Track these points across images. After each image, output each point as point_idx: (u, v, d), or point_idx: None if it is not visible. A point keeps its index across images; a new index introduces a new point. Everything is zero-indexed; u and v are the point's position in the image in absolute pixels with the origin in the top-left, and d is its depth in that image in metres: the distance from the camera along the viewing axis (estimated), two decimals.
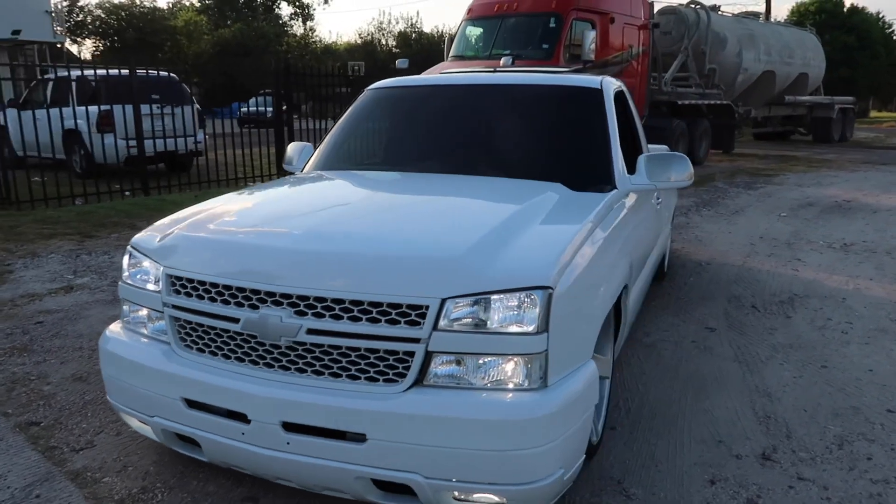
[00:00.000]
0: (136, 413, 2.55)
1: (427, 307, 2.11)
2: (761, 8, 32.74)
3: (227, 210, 2.81)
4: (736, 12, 18.42)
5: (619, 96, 3.95)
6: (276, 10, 50.32)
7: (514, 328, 2.13)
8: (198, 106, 11.59)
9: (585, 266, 2.40)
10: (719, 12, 16.83)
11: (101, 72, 9.35)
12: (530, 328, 2.11)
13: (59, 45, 27.41)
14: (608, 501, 2.57)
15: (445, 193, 3.02)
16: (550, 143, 3.52)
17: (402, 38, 49.27)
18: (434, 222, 2.59)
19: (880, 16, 40.52)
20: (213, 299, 2.36)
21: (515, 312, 2.14)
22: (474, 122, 3.65)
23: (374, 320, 2.15)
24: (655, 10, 15.39)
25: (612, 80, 4.01)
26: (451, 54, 11.94)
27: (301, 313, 2.21)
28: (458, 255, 2.22)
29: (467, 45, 11.78)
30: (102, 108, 10.17)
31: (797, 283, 5.58)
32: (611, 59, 11.60)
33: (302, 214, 2.67)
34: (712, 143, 16.08)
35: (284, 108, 10.68)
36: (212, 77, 36.67)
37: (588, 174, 3.28)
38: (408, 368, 2.14)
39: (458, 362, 2.16)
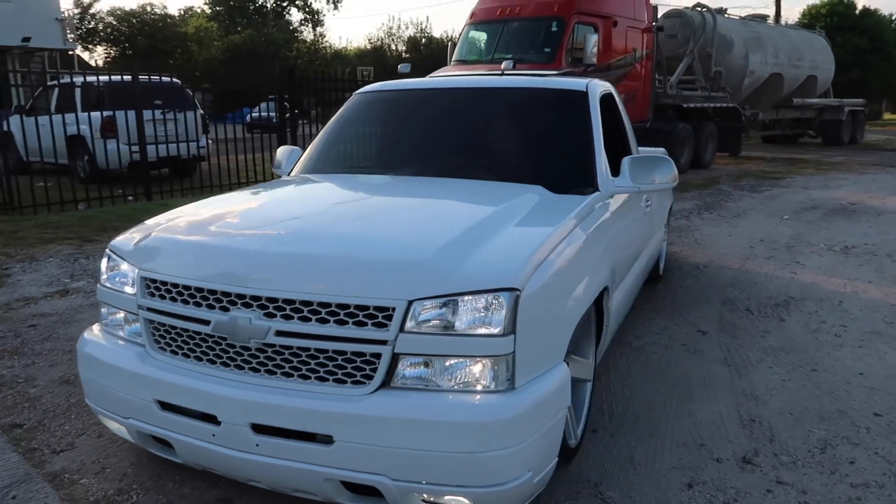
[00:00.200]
0: (113, 415, 2.56)
1: (393, 309, 2.11)
2: (771, 11, 32.57)
3: (204, 213, 2.82)
4: (743, 15, 18.34)
5: (606, 99, 3.94)
6: (287, 16, 50.66)
7: (480, 330, 2.12)
8: (201, 111, 11.67)
9: (557, 268, 2.39)
10: (726, 15, 16.77)
11: (104, 78, 9.43)
12: (496, 330, 2.11)
13: (70, 53, 27.71)
14: None
15: (423, 196, 3.02)
16: (533, 146, 3.52)
17: (412, 43, 49.45)
18: (407, 224, 2.59)
19: (893, 18, 40.14)
20: (185, 301, 2.37)
21: (482, 314, 2.13)
22: (459, 126, 3.66)
23: (342, 322, 2.15)
24: (660, 13, 15.39)
25: (600, 83, 4.00)
26: (454, 58, 11.96)
27: (270, 315, 2.22)
28: (426, 258, 2.22)
29: (470, 49, 11.79)
30: (106, 113, 10.25)
31: (794, 286, 5.53)
32: (614, 62, 11.57)
33: (275, 217, 2.69)
34: (719, 147, 15.99)
35: (289, 113, 10.73)
36: (222, 83, 36.95)
37: (570, 176, 3.27)
38: (375, 370, 2.14)
39: (427, 364, 2.16)
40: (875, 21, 36.44)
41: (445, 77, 4.08)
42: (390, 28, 61.28)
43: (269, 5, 49.39)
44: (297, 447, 2.18)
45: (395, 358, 2.14)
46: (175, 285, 2.40)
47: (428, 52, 44.92)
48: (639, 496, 2.61)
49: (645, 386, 3.61)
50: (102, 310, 2.69)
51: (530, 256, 2.29)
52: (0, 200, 8.44)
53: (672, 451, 2.95)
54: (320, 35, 51.85)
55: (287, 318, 2.20)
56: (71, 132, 10.13)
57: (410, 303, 2.12)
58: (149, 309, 2.47)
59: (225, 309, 2.28)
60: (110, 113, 10.02)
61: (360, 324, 2.14)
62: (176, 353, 2.42)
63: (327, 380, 2.19)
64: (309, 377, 2.21)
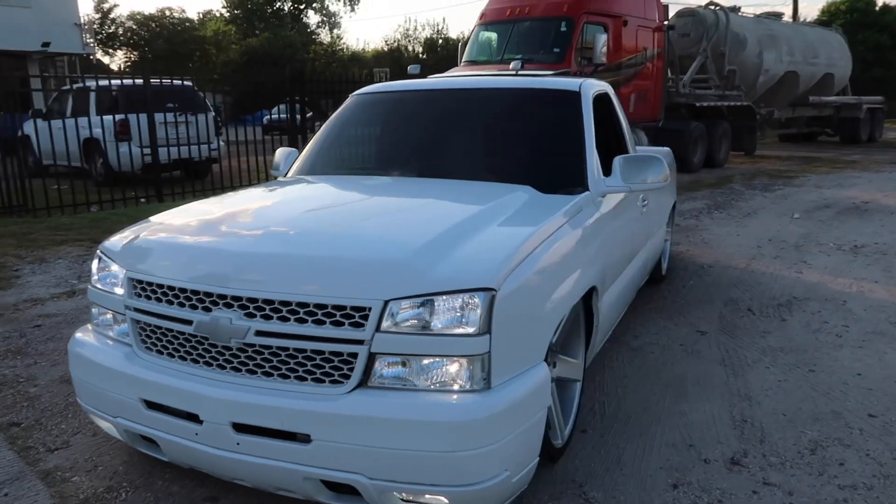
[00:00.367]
0: (102, 414, 2.61)
1: (369, 309, 2.13)
2: (789, 9, 32.15)
3: (191, 215, 2.87)
4: (758, 13, 18.16)
5: (601, 99, 3.93)
6: (304, 18, 50.99)
7: (456, 330, 2.13)
8: (213, 114, 11.79)
9: (537, 268, 2.40)
10: (739, 13, 16.61)
11: (117, 82, 9.56)
12: (472, 330, 2.12)
13: (90, 57, 28.10)
14: None
15: (410, 196, 3.04)
16: (523, 146, 3.52)
17: (429, 44, 49.54)
18: (388, 225, 2.62)
19: None
20: (169, 302, 2.41)
21: (458, 314, 2.14)
22: (451, 127, 3.67)
23: (320, 322, 2.18)
24: (673, 11, 15.30)
25: (596, 82, 3.99)
26: (464, 59, 11.97)
27: (250, 315, 2.25)
28: (402, 258, 2.24)
29: (480, 49, 11.79)
30: (119, 117, 10.40)
31: (799, 285, 5.47)
32: (624, 61, 11.52)
33: (259, 219, 2.72)
34: (733, 146, 15.85)
35: (300, 115, 10.81)
36: (240, 86, 37.25)
37: (559, 176, 3.27)
38: (352, 370, 2.16)
39: (404, 364, 2.17)
40: None
41: (440, 78, 4.09)
42: (407, 29, 61.46)
43: (286, 8, 49.73)
44: (277, 446, 2.20)
45: (372, 358, 2.15)
46: (160, 286, 2.44)
47: (444, 53, 44.96)
48: (623, 496, 2.61)
49: (639, 386, 3.59)
50: (93, 310, 2.74)
51: (508, 256, 2.29)
52: (15, 203, 8.60)
53: (661, 451, 2.93)
54: (337, 37, 52.16)
55: (266, 318, 2.23)
56: (86, 135, 10.30)
57: (386, 303, 2.13)
58: (135, 309, 2.51)
59: (207, 309, 2.31)
60: (123, 116, 10.15)
61: (338, 324, 2.16)
62: (161, 353, 2.46)
63: (306, 379, 2.21)
64: (288, 377, 2.23)
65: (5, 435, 3.09)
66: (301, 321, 2.19)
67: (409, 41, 50.92)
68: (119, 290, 2.60)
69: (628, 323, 4.50)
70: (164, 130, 9.78)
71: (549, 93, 3.67)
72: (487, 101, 3.72)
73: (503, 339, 2.17)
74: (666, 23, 13.04)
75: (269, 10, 48.74)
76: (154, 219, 2.92)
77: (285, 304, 2.21)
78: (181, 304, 2.37)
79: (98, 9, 41.80)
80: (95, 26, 37.70)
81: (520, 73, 4.25)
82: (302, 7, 50.23)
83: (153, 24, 42.77)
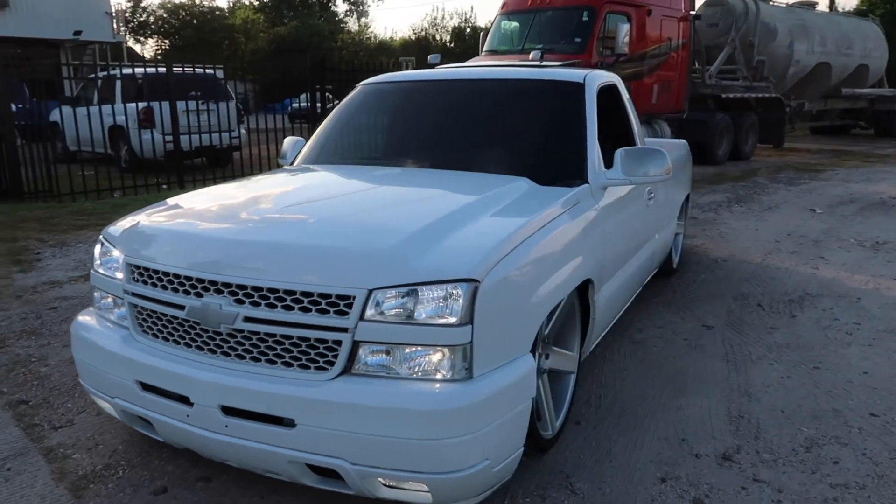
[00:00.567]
0: (102, 395, 2.68)
1: (354, 298, 2.16)
2: None
3: (190, 202, 2.92)
4: (791, 2, 17.75)
5: (607, 91, 3.91)
6: (332, 7, 51.05)
7: (438, 320, 2.15)
8: (236, 102, 11.92)
9: (525, 259, 2.41)
10: (770, 2, 16.26)
11: (141, 70, 9.71)
12: (453, 320, 2.14)
13: (125, 44, 28.52)
14: (552, 495, 2.57)
15: (406, 186, 3.06)
16: (524, 138, 3.52)
17: (456, 33, 49.34)
18: (379, 214, 2.64)
19: None
20: (164, 287, 2.47)
21: (441, 304, 2.16)
22: (454, 118, 3.68)
23: (306, 309, 2.21)
24: (701, 1, 15.03)
25: (603, 74, 3.96)
26: (484, 49, 11.91)
27: (239, 301, 2.29)
28: (388, 247, 2.26)
29: (501, 39, 11.71)
30: (144, 104, 10.57)
31: (814, 281, 5.39)
32: (647, 52, 11.36)
33: (254, 207, 2.75)
34: (761, 138, 15.56)
35: (320, 103, 10.88)
36: (268, 74, 37.49)
37: (558, 168, 3.26)
38: (336, 357, 2.20)
39: (388, 352, 2.20)
40: None
41: (448, 68, 4.10)
42: (434, 18, 61.28)
43: None
44: (263, 429, 2.25)
45: (356, 345, 2.19)
46: (156, 271, 2.50)
47: (472, 42, 44.68)
48: (609, 488, 2.61)
49: (638, 379, 3.58)
50: (95, 294, 2.82)
51: (494, 248, 2.30)
52: (41, 188, 8.80)
53: (652, 445, 2.93)
54: (365, 26, 52.15)
55: (255, 304, 2.27)
56: (112, 123, 10.49)
57: (370, 292, 2.16)
58: (133, 294, 2.58)
59: (199, 295, 2.37)
60: (146, 104, 10.31)
61: (323, 311, 2.20)
62: (157, 337, 2.52)
63: (292, 365, 2.25)
64: (275, 362, 2.28)
65: (14, 412, 3.20)
66: (288, 308, 2.23)
67: (437, 30, 50.78)
68: (119, 275, 2.66)
69: (633, 316, 4.48)
70: (186, 118, 9.91)
71: (553, 84, 3.65)
72: (490, 93, 3.71)
73: (486, 330, 2.19)
74: (692, 12, 12.82)
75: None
76: (154, 206, 2.99)
77: (273, 291, 2.25)
78: (175, 290, 2.43)
79: None
80: (127, 14, 38.23)
81: (525, 64, 4.24)
82: None
83: (183, 13, 43.18)
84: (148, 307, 2.52)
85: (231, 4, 49.42)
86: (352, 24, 51.67)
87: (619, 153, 3.31)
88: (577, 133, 3.38)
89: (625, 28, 10.47)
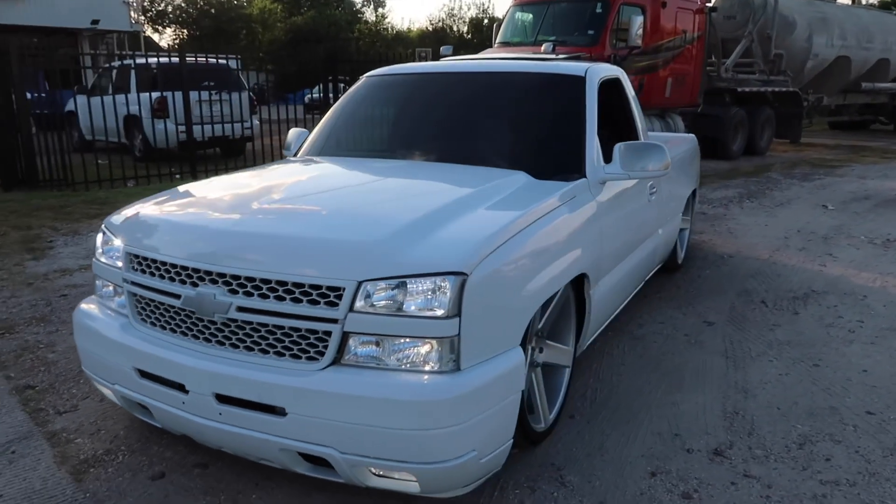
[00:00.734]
0: (102, 381, 2.75)
1: (344, 289, 2.20)
2: None
3: (190, 193, 2.97)
4: None
5: (610, 84, 3.90)
6: None
7: (426, 312, 2.18)
8: (249, 92, 11.99)
9: (516, 253, 2.43)
10: None
11: (155, 60, 9.80)
12: (440, 312, 2.16)
13: (142, 34, 28.72)
14: (542, 487, 2.60)
15: (402, 178, 3.09)
16: (522, 131, 3.53)
17: (474, 24, 49.17)
18: (373, 207, 2.67)
19: None
20: (161, 276, 2.52)
21: (429, 297, 2.19)
22: (454, 111, 3.69)
23: (297, 300, 2.25)
24: None
25: (606, 68, 3.95)
26: (497, 41, 11.87)
27: (233, 291, 2.34)
28: (378, 240, 2.29)
29: (514, 31, 11.67)
30: (158, 94, 10.67)
31: (820, 279, 5.35)
32: (662, 44, 11.27)
33: (251, 199, 2.79)
34: (777, 133, 15.40)
35: (333, 94, 10.92)
36: (285, 64, 37.60)
37: (556, 162, 3.27)
38: (326, 347, 2.23)
39: (377, 343, 2.23)
40: None
41: (451, 61, 4.11)
42: (451, 9, 61.08)
43: None
44: (255, 417, 2.29)
45: (346, 336, 2.22)
46: (154, 261, 2.55)
47: (489, 33, 44.45)
48: (598, 481, 2.64)
49: (635, 375, 3.60)
50: (97, 282, 2.88)
51: (483, 241, 2.33)
52: (56, 177, 8.93)
53: (645, 439, 2.95)
54: (382, 16, 52.10)
55: (248, 294, 2.31)
56: (127, 112, 10.60)
57: (360, 283, 2.19)
58: (132, 283, 2.63)
59: (195, 285, 2.41)
60: (160, 94, 10.41)
61: (314, 302, 2.23)
62: (154, 325, 2.57)
63: (284, 355, 2.30)
64: (267, 352, 2.32)
65: (20, 396, 3.28)
66: (280, 299, 2.27)
67: (455, 21, 50.65)
68: (119, 264, 2.72)
69: (634, 311, 4.49)
70: (199, 108, 9.99)
71: (554, 78, 3.65)
72: (492, 86, 3.72)
73: (474, 323, 2.21)
74: (708, 5, 12.69)
75: None
76: (154, 196, 3.04)
77: (265, 281, 2.29)
78: (171, 279, 2.48)
79: None
80: (145, 3, 38.49)
81: (528, 57, 4.24)
82: None
83: (201, 2, 43.37)
84: (146, 296, 2.57)
85: None
86: (369, 15, 51.62)
87: (618, 148, 3.31)
88: (576, 127, 3.38)
89: (638, 20, 10.41)
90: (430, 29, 50.24)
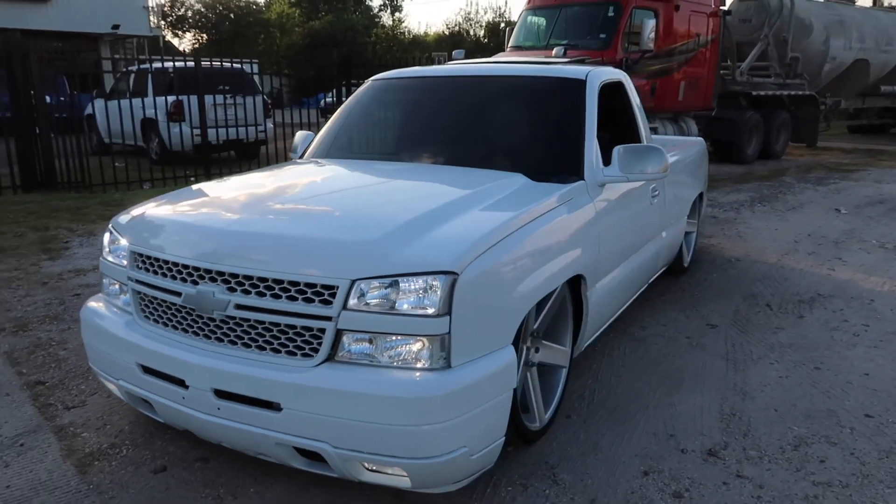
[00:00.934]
0: (108, 377, 2.82)
1: (337, 287, 2.25)
2: None
3: (195, 194, 3.05)
4: None
5: (611, 88, 3.93)
6: (367, 1, 51.31)
7: (417, 310, 2.23)
8: (264, 96, 12.13)
9: (509, 253, 2.47)
10: None
11: (171, 64, 9.96)
12: (431, 311, 2.21)
13: (161, 38, 29.12)
14: (535, 484, 2.63)
15: (403, 180, 3.15)
16: (522, 134, 3.57)
17: (490, 28, 49.29)
18: (369, 207, 2.73)
19: None
20: (164, 274, 2.59)
21: (420, 295, 2.24)
22: (456, 113, 3.74)
23: (293, 298, 2.31)
24: None
25: (608, 71, 3.99)
26: (510, 44, 11.92)
27: (232, 290, 2.40)
28: (371, 239, 2.35)
29: (526, 34, 11.71)
30: (174, 98, 10.83)
31: (827, 283, 5.33)
32: (675, 48, 11.25)
33: (252, 199, 2.86)
34: (793, 137, 15.28)
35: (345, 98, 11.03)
36: (302, 68, 37.92)
37: (555, 165, 3.30)
38: (321, 344, 2.29)
39: (370, 341, 2.28)
40: None
41: (456, 65, 4.16)
42: (468, 13, 61.20)
43: None
44: (251, 412, 2.35)
45: (339, 333, 2.28)
46: (157, 259, 2.62)
47: (506, 37, 44.59)
48: (591, 480, 2.66)
49: (635, 376, 3.62)
50: (104, 280, 2.96)
51: (476, 241, 2.37)
52: (74, 179, 9.10)
53: (640, 439, 2.97)
54: (398, 21, 52.34)
55: (246, 292, 2.38)
56: (145, 115, 10.78)
57: (353, 282, 2.25)
58: (136, 281, 2.71)
59: (195, 283, 2.48)
60: (175, 97, 10.57)
61: (309, 300, 2.29)
62: (157, 322, 2.64)
63: (280, 351, 2.35)
64: (264, 348, 2.38)
65: (31, 392, 3.37)
66: (276, 297, 2.33)
67: (471, 25, 50.83)
68: (125, 263, 2.80)
69: (638, 313, 4.51)
70: (214, 112, 10.14)
71: (555, 81, 3.69)
72: (494, 89, 3.77)
73: (465, 321, 2.26)
74: (723, 8, 12.65)
75: None
76: (160, 197, 3.12)
77: (262, 280, 2.35)
78: (173, 277, 2.55)
79: None
80: (166, 9, 39.02)
81: (531, 60, 4.28)
82: None
83: (220, 7, 43.88)
84: (149, 294, 2.65)
85: None
86: (386, 19, 51.93)
87: (617, 150, 3.34)
88: (575, 130, 3.41)
89: (651, 24, 10.40)
90: (447, 33, 50.44)
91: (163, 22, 30.72)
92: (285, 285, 2.32)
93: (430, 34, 51.81)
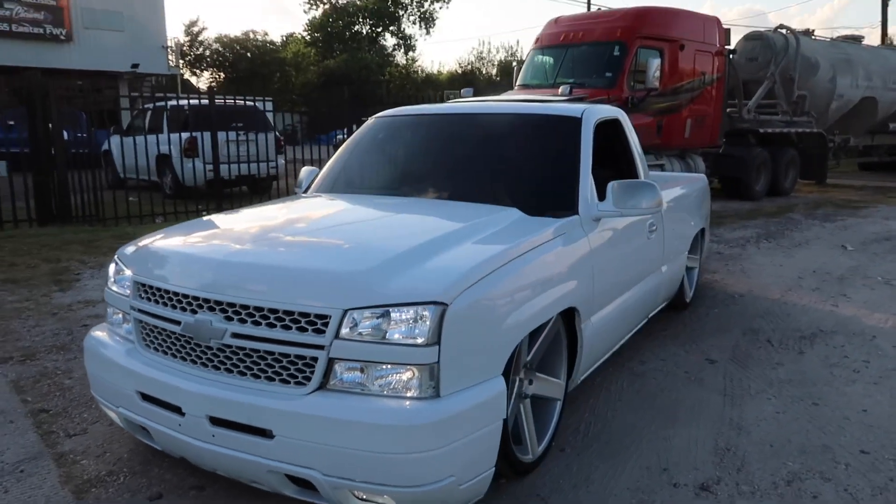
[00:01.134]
0: (108, 404, 2.89)
1: (330, 317, 2.32)
2: (877, 31, 30.76)
3: (198, 227, 3.15)
4: (836, 37, 17.55)
5: (607, 125, 4.02)
6: (381, 41, 52.33)
7: (407, 340, 2.28)
8: (276, 133, 12.38)
9: (500, 285, 2.53)
10: (813, 37, 16.12)
11: (185, 102, 10.21)
12: (420, 340, 2.27)
13: (179, 76, 29.83)
14: None
15: (399, 214, 3.23)
16: (519, 170, 3.65)
17: (502, 67, 50.03)
18: (364, 240, 2.81)
19: None
20: (165, 304, 2.67)
21: (410, 325, 2.30)
22: (455, 150, 3.85)
23: (287, 327, 2.38)
24: (742, 34, 15.02)
25: (604, 109, 4.09)
26: (518, 83, 12.13)
27: (228, 318, 2.47)
28: (364, 270, 2.42)
29: (534, 73, 11.93)
30: (189, 134, 11.09)
31: (830, 319, 5.33)
32: (680, 86, 11.40)
33: (253, 232, 2.95)
34: (802, 174, 15.32)
35: None
36: (317, 106, 38.61)
37: (550, 200, 3.38)
38: (313, 372, 2.35)
39: (362, 370, 2.34)
40: None
41: (458, 103, 4.28)
42: (480, 52, 62.25)
43: (364, 31, 51.19)
44: (245, 440, 2.40)
45: (331, 362, 2.33)
46: (157, 289, 2.71)
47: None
48: None
49: (631, 410, 3.63)
50: (108, 310, 3.04)
51: (466, 272, 2.43)
52: (89, 213, 9.29)
53: (632, 473, 2.98)
54: (412, 59, 53.23)
55: (242, 321, 2.45)
56: (160, 151, 11.03)
57: (345, 312, 2.31)
58: (139, 310, 2.79)
59: (194, 312, 2.55)
60: (188, 134, 10.82)
61: (302, 329, 2.35)
62: (157, 351, 2.72)
63: (274, 379, 2.41)
64: (259, 376, 2.44)
65: (34, 419, 3.43)
66: (271, 325, 2.40)
67: (483, 63, 51.63)
68: (128, 293, 2.88)
69: (637, 348, 4.52)
70: (227, 148, 10.36)
71: (551, 119, 3.79)
72: (492, 126, 3.88)
73: (454, 351, 2.31)
74: (728, 47, 12.83)
75: (348, 34, 50.24)
76: (164, 230, 3.22)
77: (258, 309, 2.42)
78: (173, 307, 2.63)
79: (188, 32, 44.39)
80: (184, 48, 40.00)
81: (530, 98, 4.39)
82: (379, 30, 51.59)
83: (237, 47, 44.93)
84: (150, 322, 2.72)
85: (283, 38, 51.20)
86: (400, 58, 52.83)
87: (611, 186, 3.42)
88: (570, 166, 3.50)
89: (656, 63, 10.57)
90: (460, 72, 51.21)
91: (181, 61, 31.52)
92: (280, 314, 2.38)
93: (444, 73, 52.62)
